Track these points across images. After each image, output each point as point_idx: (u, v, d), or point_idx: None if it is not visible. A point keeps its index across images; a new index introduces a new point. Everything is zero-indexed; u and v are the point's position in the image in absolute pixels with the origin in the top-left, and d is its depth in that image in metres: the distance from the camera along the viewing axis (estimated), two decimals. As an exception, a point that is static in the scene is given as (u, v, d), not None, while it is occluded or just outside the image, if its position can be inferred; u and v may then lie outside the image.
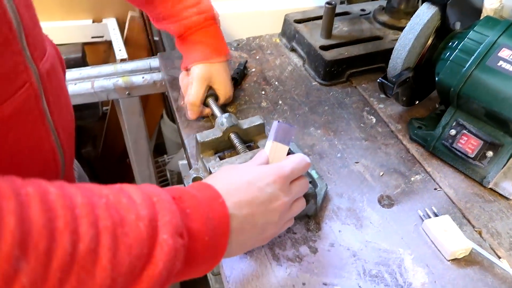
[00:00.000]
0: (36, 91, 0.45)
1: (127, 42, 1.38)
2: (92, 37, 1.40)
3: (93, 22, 1.40)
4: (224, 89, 0.73)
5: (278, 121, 0.50)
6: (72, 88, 1.09)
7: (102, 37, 1.41)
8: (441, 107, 0.75)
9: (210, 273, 0.96)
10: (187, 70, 0.74)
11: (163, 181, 1.60)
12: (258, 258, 0.54)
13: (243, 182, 0.44)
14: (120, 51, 1.27)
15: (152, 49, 1.42)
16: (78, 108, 1.26)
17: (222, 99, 0.74)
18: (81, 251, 0.29)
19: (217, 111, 0.68)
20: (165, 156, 1.65)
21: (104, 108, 1.45)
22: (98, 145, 1.55)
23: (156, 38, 1.41)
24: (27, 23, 0.43)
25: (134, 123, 1.20)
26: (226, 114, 0.60)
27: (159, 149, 1.77)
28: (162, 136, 1.69)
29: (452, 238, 0.54)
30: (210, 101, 0.71)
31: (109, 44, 1.40)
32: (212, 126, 0.66)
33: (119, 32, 1.36)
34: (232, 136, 0.59)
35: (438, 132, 0.66)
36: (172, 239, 0.35)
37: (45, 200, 0.30)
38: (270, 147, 0.50)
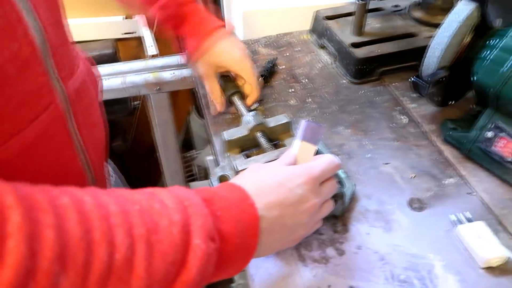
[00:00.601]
0: (61, 113, 0.43)
1: (157, 38, 1.40)
2: (124, 33, 1.43)
3: (125, 18, 1.43)
4: (237, 66, 0.69)
5: (307, 120, 0.49)
6: (104, 83, 1.12)
7: (133, 33, 1.43)
8: (478, 108, 0.72)
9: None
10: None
11: (190, 176, 1.62)
12: (284, 258, 0.53)
13: (273, 182, 0.43)
14: (150, 47, 1.28)
15: (181, 44, 1.43)
16: (109, 103, 1.29)
17: (242, 81, 0.71)
18: (118, 262, 0.29)
19: (243, 109, 0.67)
20: (193, 151, 1.67)
21: (134, 102, 1.48)
22: (128, 139, 1.58)
23: (186, 34, 1.41)
24: (54, 42, 0.42)
25: (163, 118, 1.22)
26: (253, 112, 0.60)
27: (187, 144, 1.79)
28: (190, 131, 1.71)
29: (487, 245, 0.52)
30: (236, 99, 0.70)
31: (140, 40, 1.42)
32: (239, 123, 0.66)
33: (149, 28, 1.37)
34: (258, 134, 0.59)
35: (474, 134, 0.63)
36: (205, 243, 0.35)
37: (81, 210, 0.30)
38: (299, 147, 0.49)
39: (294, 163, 0.48)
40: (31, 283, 0.25)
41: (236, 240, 0.38)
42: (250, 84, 0.71)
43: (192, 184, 1.44)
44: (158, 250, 0.32)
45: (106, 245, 0.29)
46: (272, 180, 0.44)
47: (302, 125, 0.50)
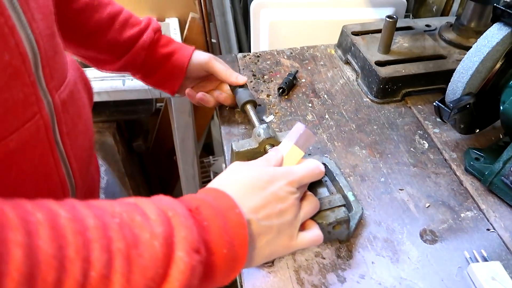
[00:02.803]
0: (46, 123, 0.43)
1: (185, 42, 1.41)
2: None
3: (157, 20, 1.45)
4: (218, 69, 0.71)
5: (305, 126, 0.50)
6: (128, 84, 1.13)
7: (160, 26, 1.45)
8: (505, 138, 0.68)
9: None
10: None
11: (206, 182, 1.62)
12: (281, 280, 0.51)
13: (256, 185, 0.43)
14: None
15: (209, 50, 1.44)
16: (133, 102, 1.32)
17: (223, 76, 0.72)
18: (93, 280, 0.28)
19: (255, 120, 0.66)
20: (210, 157, 1.67)
21: (158, 104, 1.49)
22: (149, 140, 1.60)
23: (214, 41, 1.42)
24: (46, 53, 0.42)
25: (183, 122, 1.23)
26: (264, 125, 0.58)
27: (207, 149, 1.79)
28: (211, 136, 1.71)
29: (501, 289, 0.48)
30: (249, 108, 0.69)
31: (169, 43, 1.44)
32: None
33: (179, 32, 1.39)
34: (268, 148, 0.57)
35: (498, 166, 0.59)
36: (188, 256, 0.33)
37: (55, 226, 0.28)
38: (289, 149, 0.49)
39: (281, 164, 0.48)
40: None
41: (224, 250, 0.37)
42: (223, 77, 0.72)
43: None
44: (137, 265, 0.31)
45: (80, 262, 0.28)
46: (257, 183, 0.43)
47: (298, 129, 0.50)
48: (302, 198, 0.48)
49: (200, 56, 0.72)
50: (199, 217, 0.37)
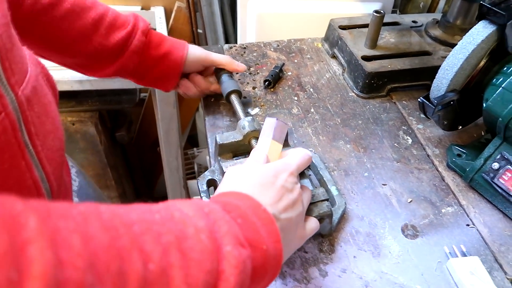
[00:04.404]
0: (13, 122, 0.39)
1: (171, 32, 1.39)
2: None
3: (142, 9, 1.42)
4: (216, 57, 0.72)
5: (277, 119, 0.50)
6: (111, 73, 1.10)
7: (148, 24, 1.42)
8: (487, 135, 0.69)
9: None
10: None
11: (190, 174, 1.61)
12: (263, 273, 0.51)
13: (267, 181, 0.43)
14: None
15: (195, 41, 1.42)
16: (116, 92, 1.29)
17: (225, 63, 0.72)
18: (153, 272, 0.26)
19: (240, 112, 0.65)
20: (194, 149, 1.66)
21: (142, 94, 1.47)
22: (132, 131, 1.57)
23: (200, 31, 1.40)
24: (4, 45, 0.38)
25: (167, 113, 1.21)
26: (249, 118, 0.58)
27: (192, 140, 1.77)
28: (196, 128, 1.70)
29: (479, 283, 0.49)
30: (234, 98, 0.68)
31: (154, 32, 1.41)
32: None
33: (165, 21, 1.36)
34: (253, 141, 0.57)
35: (479, 163, 0.60)
36: (237, 250, 0.32)
37: (101, 218, 0.26)
38: (269, 146, 0.49)
39: (268, 161, 0.48)
40: None
41: (264, 246, 0.36)
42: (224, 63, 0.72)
43: (190, 182, 1.43)
44: (192, 259, 0.28)
45: (137, 253, 0.25)
46: (265, 180, 0.43)
47: (271, 124, 0.50)
48: None
49: (196, 51, 0.71)
50: (232, 215, 0.35)
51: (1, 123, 0.37)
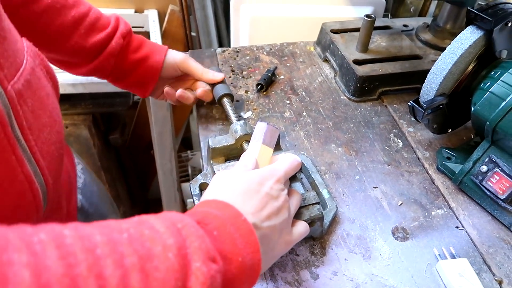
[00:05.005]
0: (1, 117, 0.38)
1: (164, 35, 1.39)
2: (132, 27, 1.42)
3: (135, 12, 1.42)
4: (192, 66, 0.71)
5: (267, 123, 0.51)
6: (104, 76, 1.10)
7: (142, 27, 1.42)
8: (476, 138, 0.70)
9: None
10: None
11: (184, 176, 1.61)
12: (255, 276, 0.51)
13: (250, 190, 0.43)
14: (156, 42, 1.27)
15: (189, 44, 1.43)
16: (110, 95, 1.29)
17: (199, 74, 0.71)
18: None
19: (232, 116, 0.65)
20: (188, 152, 1.66)
21: (136, 97, 1.47)
22: (126, 134, 1.57)
23: (193, 34, 1.41)
24: None
25: (161, 116, 1.21)
26: (241, 122, 0.58)
27: (186, 143, 1.77)
28: (190, 131, 1.70)
29: (468, 285, 0.49)
30: (226, 102, 0.68)
31: (147, 35, 1.41)
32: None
33: (158, 24, 1.37)
34: (245, 145, 0.57)
35: (468, 166, 0.61)
36: (206, 266, 0.32)
37: (61, 245, 0.26)
38: (259, 150, 0.50)
39: (257, 166, 0.48)
40: None
41: (239, 258, 0.36)
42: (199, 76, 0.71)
43: (184, 185, 1.43)
44: (155, 279, 0.28)
45: (94, 279, 0.26)
46: (250, 187, 0.43)
47: (261, 128, 0.51)
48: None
49: (175, 56, 0.70)
50: (208, 228, 0.36)
51: None
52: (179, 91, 0.70)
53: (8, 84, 0.40)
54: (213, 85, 0.71)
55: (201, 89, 0.71)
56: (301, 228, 0.49)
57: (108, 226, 0.31)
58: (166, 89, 0.71)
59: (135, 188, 1.76)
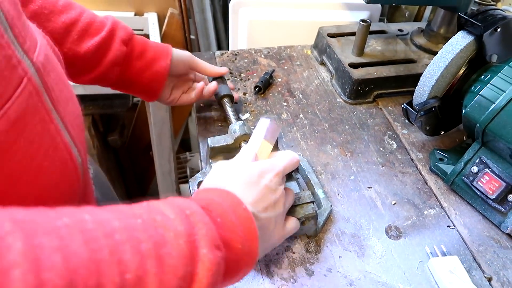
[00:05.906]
0: (36, 87, 0.39)
1: (164, 38, 1.41)
2: (132, 30, 1.44)
3: (135, 15, 1.44)
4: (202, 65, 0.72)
5: (271, 120, 0.53)
6: (104, 78, 1.11)
7: (141, 30, 1.44)
8: (468, 140, 0.72)
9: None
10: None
11: (182, 177, 1.62)
12: (251, 273, 0.53)
13: (251, 179, 0.45)
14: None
15: (188, 47, 1.44)
16: (109, 96, 1.31)
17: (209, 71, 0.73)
18: (130, 282, 0.27)
19: (231, 116, 0.67)
20: (187, 153, 1.67)
21: (135, 99, 1.48)
22: (125, 135, 1.58)
23: (192, 37, 1.42)
24: (9, 13, 0.37)
25: (159, 117, 1.23)
26: (240, 122, 0.60)
27: (184, 145, 1.79)
28: (189, 132, 1.71)
29: (458, 282, 0.51)
30: (226, 102, 0.70)
31: (147, 38, 1.43)
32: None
33: (158, 27, 1.38)
34: (243, 145, 0.59)
35: (460, 167, 0.62)
36: (212, 253, 0.34)
37: (84, 229, 0.27)
38: (260, 145, 0.51)
39: (256, 159, 0.50)
40: None
41: (239, 245, 0.38)
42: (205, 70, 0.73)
43: (183, 186, 1.44)
44: (168, 265, 0.30)
45: (116, 265, 0.27)
46: (250, 178, 0.45)
47: (265, 124, 0.52)
48: None
49: (180, 54, 0.70)
50: (212, 214, 0.37)
51: (26, 87, 0.37)
52: (205, 91, 0.72)
53: (33, 56, 0.40)
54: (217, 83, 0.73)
55: (212, 84, 0.73)
56: (293, 224, 0.52)
57: (122, 211, 0.32)
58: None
59: (133, 189, 1.77)
